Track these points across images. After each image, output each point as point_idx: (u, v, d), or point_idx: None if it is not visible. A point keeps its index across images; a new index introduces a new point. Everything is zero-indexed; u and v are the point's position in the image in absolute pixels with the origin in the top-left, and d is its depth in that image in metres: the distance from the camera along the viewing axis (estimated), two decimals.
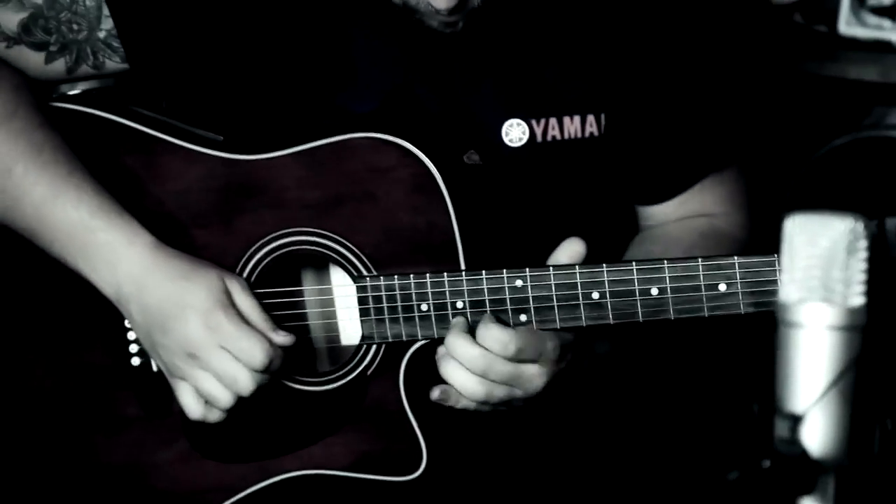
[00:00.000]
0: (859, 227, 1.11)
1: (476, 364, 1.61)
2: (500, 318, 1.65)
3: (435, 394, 1.67)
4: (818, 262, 1.11)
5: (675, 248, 1.78)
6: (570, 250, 1.64)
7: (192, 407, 1.68)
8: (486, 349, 1.61)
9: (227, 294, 1.66)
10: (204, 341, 1.64)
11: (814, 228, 1.11)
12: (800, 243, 1.11)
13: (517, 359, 1.62)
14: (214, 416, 1.70)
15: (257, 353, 1.64)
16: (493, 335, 1.61)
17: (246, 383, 1.65)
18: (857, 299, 1.11)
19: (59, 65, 1.75)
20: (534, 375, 1.64)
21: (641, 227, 1.88)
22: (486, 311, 1.65)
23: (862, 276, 1.11)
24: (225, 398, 1.66)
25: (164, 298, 1.65)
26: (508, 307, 1.65)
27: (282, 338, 1.67)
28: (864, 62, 2.60)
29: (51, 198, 1.68)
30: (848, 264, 1.11)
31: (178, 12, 1.72)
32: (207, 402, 1.68)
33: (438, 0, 1.59)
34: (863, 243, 1.11)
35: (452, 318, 1.66)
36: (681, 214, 1.84)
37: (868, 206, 2.53)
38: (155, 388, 1.76)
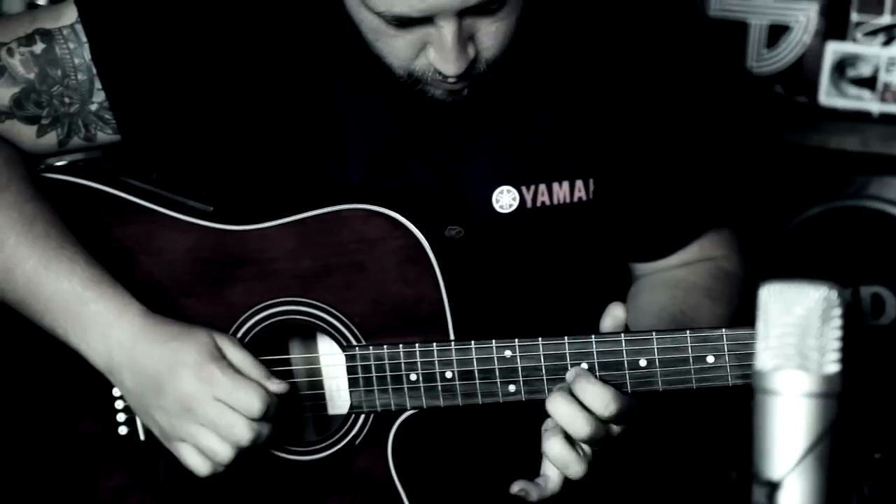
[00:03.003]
0: (833, 295, 1.12)
1: (581, 431, 1.57)
2: (491, 390, 1.66)
3: (514, 488, 1.62)
4: (793, 329, 1.11)
5: (696, 293, 1.79)
6: (611, 316, 1.63)
7: (199, 464, 1.67)
8: (593, 412, 1.58)
9: (218, 349, 1.67)
10: (199, 394, 1.64)
11: (789, 297, 1.12)
12: (775, 311, 1.12)
13: (615, 422, 1.60)
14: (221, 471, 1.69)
15: (254, 401, 1.64)
16: (593, 392, 1.58)
17: (244, 433, 1.64)
18: (832, 367, 1.12)
19: (51, 138, 1.77)
20: (614, 439, 1.62)
21: (637, 276, 1.88)
22: (475, 381, 1.66)
23: (837, 344, 1.12)
24: (224, 451, 1.65)
25: (157, 361, 1.66)
26: (497, 378, 1.65)
27: (276, 385, 1.67)
28: (845, 132, 2.63)
29: (42, 269, 1.69)
30: (822, 332, 1.12)
31: (169, 83, 1.74)
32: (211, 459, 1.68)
33: (448, 66, 1.60)
34: (837, 311, 1.12)
35: (441, 388, 1.67)
36: (683, 262, 1.85)
37: (843, 274, 2.55)
38: (142, 457, 1.77)
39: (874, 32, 2.69)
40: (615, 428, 1.62)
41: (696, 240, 1.84)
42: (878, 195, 2.65)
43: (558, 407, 1.59)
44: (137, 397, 1.69)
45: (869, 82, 2.68)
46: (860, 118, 2.68)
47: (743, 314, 1.79)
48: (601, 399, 1.58)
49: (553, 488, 1.64)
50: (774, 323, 1.12)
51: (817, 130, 2.65)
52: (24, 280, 1.70)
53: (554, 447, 1.60)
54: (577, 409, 1.58)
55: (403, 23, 1.58)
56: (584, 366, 1.62)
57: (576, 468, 1.61)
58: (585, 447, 1.61)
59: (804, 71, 2.72)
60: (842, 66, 2.69)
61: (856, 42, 2.69)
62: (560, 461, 1.60)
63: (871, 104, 2.68)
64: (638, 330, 1.64)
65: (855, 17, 2.69)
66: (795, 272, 2.33)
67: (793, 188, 2.72)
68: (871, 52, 2.68)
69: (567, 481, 1.62)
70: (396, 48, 1.62)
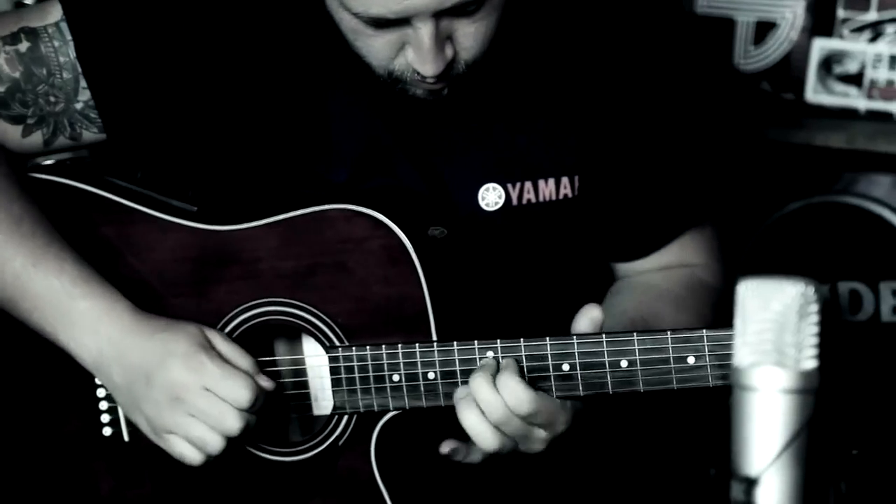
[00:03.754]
0: (810, 291, 1.12)
1: (495, 414, 1.60)
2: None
3: (444, 449, 1.66)
4: (770, 325, 1.12)
5: (663, 299, 1.79)
6: (588, 318, 1.64)
7: (190, 453, 1.67)
8: (504, 400, 1.60)
9: (207, 340, 1.68)
10: (188, 383, 1.64)
11: (766, 293, 1.12)
12: (752, 307, 1.12)
13: (528, 420, 1.61)
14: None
15: (243, 391, 1.64)
16: (512, 389, 1.59)
17: (233, 422, 1.64)
18: (810, 363, 1.12)
19: (37, 137, 1.77)
20: (538, 440, 1.64)
21: (619, 279, 1.88)
22: (458, 382, 1.66)
23: (814, 340, 1.12)
24: (215, 441, 1.65)
25: (147, 353, 1.66)
26: None
27: (265, 381, 1.67)
28: (831, 129, 2.63)
29: (31, 267, 1.69)
30: (800, 328, 1.12)
31: (155, 82, 1.74)
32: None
33: (425, 67, 1.60)
34: (814, 307, 1.12)
35: (424, 389, 1.67)
36: (660, 266, 1.85)
37: (821, 270, 2.56)
38: (127, 457, 1.77)
39: (861, 29, 2.69)
40: (539, 431, 1.63)
41: (674, 240, 1.84)
42: (864, 192, 2.66)
43: (480, 390, 1.60)
44: (125, 392, 1.69)
45: (855, 79, 2.68)
46: (847, 115, 2.68)
47: (722, 313, 1.78)
48: (516, 398, 1.59)
49: (476, 458, 1.66)
50: (752, 319, 1.13)
51: (804, 127, 2.65)
52: (11, 278, 1.70)
53: (469, 417, 1.61)
54: (495, 396, 1.59)
55: (380, 24, 1.59)
56: (566, 367, 1.62)
57: (490, 442, 1.61)
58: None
59: (791, 68, 2.72)
60: (828, 62, 2.70)
61: (842, 39, 2.69)
62: (473, 431, 1.61)
63: (857, 101, 2.69)
64: (608, 331, 1.64)
65: (841, 13, 2.69)
66: (774, 267, 2.32)
67: (778, 185, 2.72)
68: (857, 48, 2.68)
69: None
70: (375, 48, 1.62)
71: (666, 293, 1.81)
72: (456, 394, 1.64)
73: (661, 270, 1.85)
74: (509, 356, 1.63)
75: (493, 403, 1.59)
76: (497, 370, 1.62)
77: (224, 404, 1.64)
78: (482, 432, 1.61)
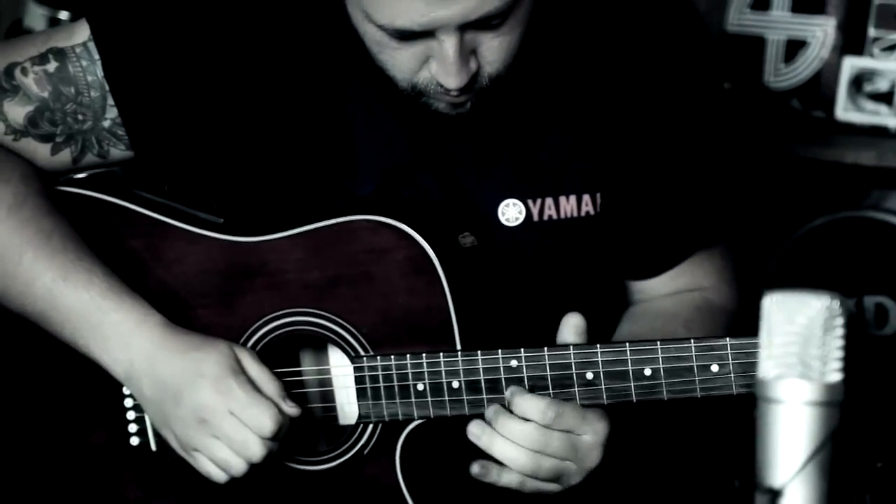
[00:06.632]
0: (835, 305, 1.12)
1: (531, 440, 1.62)
2: (497, 399, 1.66)
3: (475, 469, 1.66)
4: (795, 339, 1.12)
5: (673, 322, 1.79)
6: (571, 326, 1.66)
7: (216, 472, 1.69)
8: (535, 421, 1.61)
9: (238, 362, 1.68)
10: (215, 407, 1.65)
11: (791, 306, 1.12)
12: (777, 321, 1.13)
13: (560, 427, 1.62)
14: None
15: (266, 421, 1.65)
16: (532, 405, 1.61)
17: (256, 449, 1.65)
18: (835, 375, 1.12)
19: (65, 155, 1.78)
20: (591, 447, 1.64)
21: (632, 301, 1.89)
22: (482, 390, 1.66)
23: (839, 353, 1.12)
24: (238, 465, 1.66)
25: (177, 370, 1.67)
26: (504, 387, 1.66)
27: (290, 408, 1.68)
28: (861, 147, 2.63)
29: (61, 281, 1.71)
30: (824, 341, 1.12)
31: (181, 100, 1.75)
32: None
33: (449, 80, 1.60)
34: (839, 321, 1.13)
35: (448, 397, 1.67)
36: (672, 289, 1.85)
37: (847, 284, 2.56)
38: (154, 467, 1.78)
39: (891, 48, 2.69)
40: (582, 439, 1.63)
41: (688, 258, 1.84)
42: (893, 209, 2.65)
43: (505, 426, 1.63)
44: (156, 406, 1.70)
45: (886, 97, 2.68)
46: (877, 133, 2.68)
47: (746, 324, 1.78)
48: (538, 409, 1.61)
49: (512, 479, 1.66)
50: (777, 332, 1.13)
51: (834, 145, 2.65)
52: (43, 292, 1.71)
53: (501, 448, 1.63)
54: (520, 424, 1.62)
55: (405, 36, 1.59)
56: (590, 376, 1.63)
57: (524, 463, 1.63)
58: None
59: (821, 86, 2.72)
60: (859, 80, 2.69)
61: (873, 57, 2.69)
62: (508, 458, 1.64)
63: (887, 119, 2.68)
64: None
65: (872, 32, 2.69)
66: (800, 281, 2.32)
67: (807, 200, 2.72)
68: (888, 67, 2.68)
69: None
70: (399, 61, 1.63)
71: (676, 316, 1.81)
72: (470, 432, 1.65)
73: (673, 295, 1.85)
74: (533, 364, 1.64)
75: (525, 433, 1.61)
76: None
77: (248, 431, 1.65)
78: (518, 458, 1.63)
